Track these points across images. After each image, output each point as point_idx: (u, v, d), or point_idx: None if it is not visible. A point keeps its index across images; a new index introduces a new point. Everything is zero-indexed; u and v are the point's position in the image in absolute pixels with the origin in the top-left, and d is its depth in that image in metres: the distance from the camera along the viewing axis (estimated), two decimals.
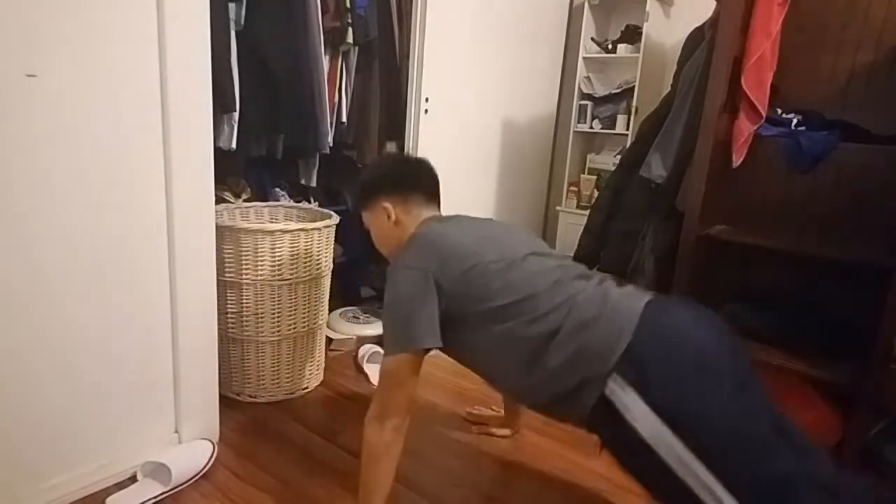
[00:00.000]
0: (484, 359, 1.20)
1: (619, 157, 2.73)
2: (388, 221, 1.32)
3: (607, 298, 1.06)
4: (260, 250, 1.67)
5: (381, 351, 2.13)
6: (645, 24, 2.71)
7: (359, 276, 2.69)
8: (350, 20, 2.09)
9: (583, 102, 3.02)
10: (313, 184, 2.31)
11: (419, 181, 1.36)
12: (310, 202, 2.30)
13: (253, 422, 1.69)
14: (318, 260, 1.81)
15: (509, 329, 1.09)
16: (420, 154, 2.27)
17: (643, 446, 0.94)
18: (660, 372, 0.96)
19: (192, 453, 1.44)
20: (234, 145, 1.93)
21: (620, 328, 1.00)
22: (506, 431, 1.69)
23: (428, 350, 1.15)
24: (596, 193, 2.89)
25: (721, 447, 0.92)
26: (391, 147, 2.41)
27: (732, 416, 0.94)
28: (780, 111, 1.97)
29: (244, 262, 1.68)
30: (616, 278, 1.16)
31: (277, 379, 1.81)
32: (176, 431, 1.47)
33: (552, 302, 1.07)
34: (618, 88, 2.94)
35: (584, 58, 2.95)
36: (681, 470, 0.92)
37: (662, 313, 1.04)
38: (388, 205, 1.32)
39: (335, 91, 2.18)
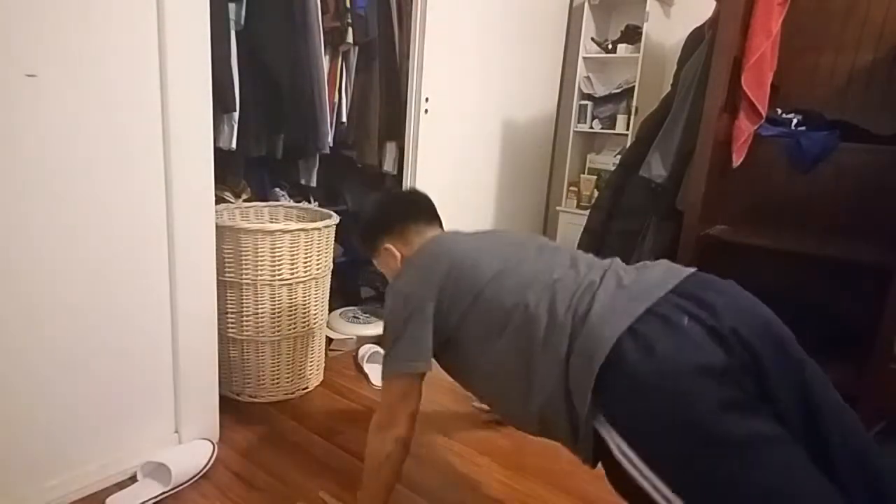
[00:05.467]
0: (480, 383, 1.18)
1: (619, 157, 2.73)
2: (395, 260, 1.31)
3: (588, 315, 0.94)
4: (260, 250, 1.67)
5: (381, 351, 2.14)
6: (645, 24, 2.71)
7: (359, 276, 2.69)
8: (350, 20, 2.10)
9: (583, 102, 3.02)
10: (313, 184, 2.31)
11: (409, 213, 1.34)
12: (310, 202, 2.30)
13: (253, 422, 1.69)
14: (318, 260, 1.81)
15: (497, 352, 1.04)
16: (420, 154, 2.28)
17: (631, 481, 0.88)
18: (631, 409, 0.88)
19: (192, 453, 1.44)
20: (234, 145, 1.93)
21: (594, 355, 0.88)
22: None
23: (423, 373, 1.15)
24: (596, 193, 2.89)
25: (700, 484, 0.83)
26: (391, 147, 2.41)
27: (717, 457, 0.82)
28: (780, 111, 1.97)
29: (244, 262, 1.68)
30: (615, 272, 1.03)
31: (277, 379, 1.81)
32: (176, 431, 1.47)
33: (536, 323, 0.98)
34: (618, 88, 2.94)
35: (584, 58, 2.95)
36: None
37: (644, 338, 0.87)
38: (389, 246, 1.31)
39: (335, 91, 2.18)
